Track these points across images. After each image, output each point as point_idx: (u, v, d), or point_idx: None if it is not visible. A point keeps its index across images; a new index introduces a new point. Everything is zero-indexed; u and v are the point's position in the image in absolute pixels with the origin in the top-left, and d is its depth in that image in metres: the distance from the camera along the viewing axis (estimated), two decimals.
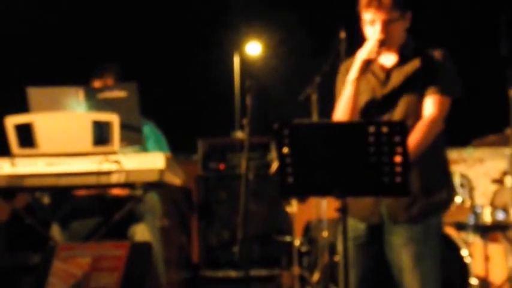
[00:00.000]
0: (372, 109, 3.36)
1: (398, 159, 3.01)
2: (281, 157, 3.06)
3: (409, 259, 3.28)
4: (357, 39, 3.46)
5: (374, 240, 3.35)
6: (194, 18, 9.12)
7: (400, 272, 3.30)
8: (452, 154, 8.40)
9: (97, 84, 4.95)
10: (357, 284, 3.31)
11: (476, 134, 6.17)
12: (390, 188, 3.05)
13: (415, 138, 3.25)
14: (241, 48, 8.71)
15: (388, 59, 3.39)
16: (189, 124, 8.40)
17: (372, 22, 3.30)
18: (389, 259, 3.33)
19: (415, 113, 3.30)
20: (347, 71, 3.43)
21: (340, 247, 3.37)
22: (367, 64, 3.32)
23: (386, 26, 3.27)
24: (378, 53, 3.29)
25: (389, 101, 3.34)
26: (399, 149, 3.01)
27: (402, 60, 3.37)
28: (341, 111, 3.36)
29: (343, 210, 3.09)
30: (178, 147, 6.81)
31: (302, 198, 5.50)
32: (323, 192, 3.22)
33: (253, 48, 8.89)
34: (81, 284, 3.46)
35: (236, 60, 8.38)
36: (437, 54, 3.35)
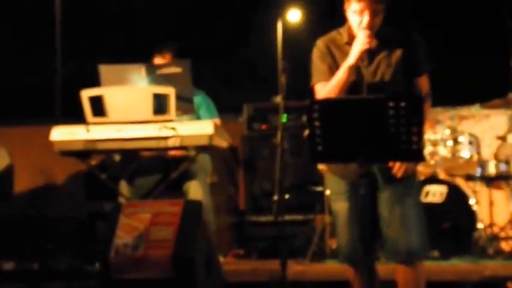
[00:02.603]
0: (362, 88, 3.23)
1: (414, 129, 2.91)
2: (311, 128, 2.96)
3: (398, 212, 3.18)
4: None
5: (368, 199, 3.22)
6: None
7: (388, 225, 3.20)
8: (463, 111, 8.24)
9: (158, 59, 4.88)
10: (355, 240, 3.23)
11: (483, 97, 6.00)
12: (407, 155, 2.96)
13: None
14: (284, 15, 8.42)
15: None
16: (237, 89, 8.27)
17: (361, 12, 3.15)
18: (380, 214, 3.22)
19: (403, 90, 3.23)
20: (326, 47, 3.30)
21: (335, 207, 3.29)
22: (365, 53, 3.18)
23: (373, 17, 3.15)
24: (372, 42, 3.15)
25: (379, 81, 3.23)
26: (415, 121, 2.90)
27: (382, 42, 3.23)
28: (334, 92, 3.20)
29: (367, 175, 3.00)
30: (228, 110, 6.74)
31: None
32: (349, 159, 3.10)
33: (294, 15, 8.55)
34: (143, 236, 3.43)
35: (279, 27, 8.06)
36: (415, 40, 3.27)
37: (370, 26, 3.15)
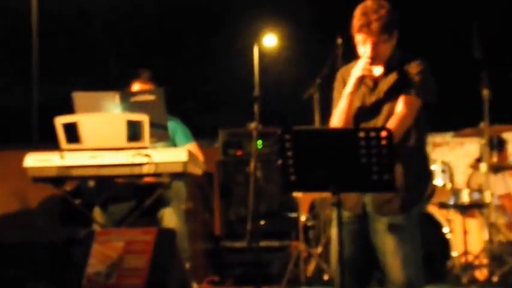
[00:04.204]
0: (361, 115, 3.26)
1: (385, 160, 2.93)
2: (284, 158, 2.98)
3: (391, 243, 3.15)
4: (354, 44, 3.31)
5: (360, 228, 3.22)
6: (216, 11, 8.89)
7: (383, 255, 3.19)
8: (437, 138, 8.33)
9: (136, 84, 4.90)
10: (347, 267, 3.20)
11: (456, 125, 6.08)
12: (378, 185, 2.97)
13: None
14: (260, 40, 8.43)
15: (376, 69, 3.26)
16: (213, 114, 8.30)
17: (363, 42, 3.19)
18: (374, 243, 3.21)
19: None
20: (342, 78, 3.34)
21: (331, 233, 3.30)
22: (361, 80, 3.22)
23: (376, 47, 3.17)
24: (370, 70, 3.19)
25: (374, 108, 3.24)
26: (386, 151, 2.93)
27: (387, 71, 3.26)
28: (337, 120, 3.25)
29: (338, 205, 3.01)
30: (204, 135, 6.74)
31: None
32: (321, 188, 3.12)
33: (270, 40, 8.56)
34: (116, 265, 3.41)
35: (256, 51, 8.09)
36: (413, 66, 3.22)
37: (372, 56, 3.17)
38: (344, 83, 3.30)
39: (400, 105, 3.17)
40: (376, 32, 3.14)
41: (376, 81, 3.27)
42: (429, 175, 3.39)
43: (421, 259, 3.26)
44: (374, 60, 3.18)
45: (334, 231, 3.22)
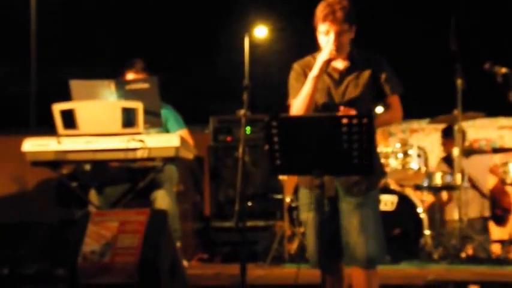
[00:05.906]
0: (328, 108, 3.27)
1: (365, 145, 2.94)
2: (270, 144, 2.98)
3: (356, 221, 3.22)
4: None
5: (330, 211, 3.24)
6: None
7: (348, 233, 3.23)
8: (414, 124, 8.37)
9: (130, 74, 4.85)
10: (320, 248, 3.24)
11: (431, 112, 6.11)
12: (359, 169, 2.99)
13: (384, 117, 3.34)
14: (251, 31, 8.38)
15: (339, 63, 3.32)
16: (204, 102, 8.25)
17: (327, 32, 3.22)
18: (341, 223, 3.26)
19: (366, 111, 3.24)
20: (302, 70, 3.35)
21: (303, 217, 3.32)
22: (327, 64, 3.23)
23: (338, 36, 3.21)
24: (335, 55, 3.22)
25: (342, 102, 3.26)
26: (366, 137, 2.93)
27: (352, 64, 3.31)
28: (300, 105, 3.24)
29: (321, 187, 3.02)
30: (195, 121, 6.71)
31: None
32: (305, 172, 3.13)
33: (261, 31, 8.52)
34: (110, 244, 3.39)
35: (246, 42, 8.06)
36: (379, 63, 3.32)
37: (337, 44, 3.20)
38: (304, 74, 3.32)
39: (394, 109, 3.32)
40: (341, 20, 3.19)
41: (341, 74, 3.31)
42: (379, 160, 3.53)
43: (384, 236, 3.30)
44: (337, 50, 3.21)
45: (309, 215, 3.28)
